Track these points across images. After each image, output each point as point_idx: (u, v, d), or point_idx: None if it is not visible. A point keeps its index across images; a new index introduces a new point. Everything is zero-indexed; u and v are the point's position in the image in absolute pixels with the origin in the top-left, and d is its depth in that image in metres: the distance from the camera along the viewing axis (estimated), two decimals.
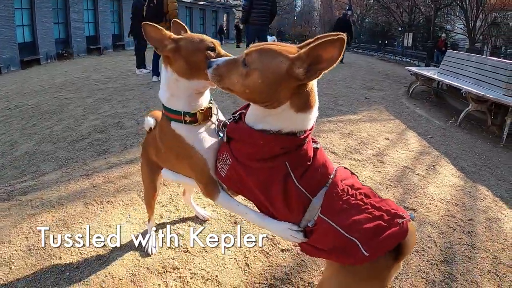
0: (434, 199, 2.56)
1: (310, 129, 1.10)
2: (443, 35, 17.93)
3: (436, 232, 2.16)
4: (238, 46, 20.33)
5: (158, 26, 1.21)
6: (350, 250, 1.03)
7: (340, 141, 3.63)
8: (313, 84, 1.04)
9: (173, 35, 1.25)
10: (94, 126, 4.10)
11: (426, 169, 3.12)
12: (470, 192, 2.77)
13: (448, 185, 2.84)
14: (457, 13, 23.06)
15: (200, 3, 28.06)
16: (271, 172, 1.08)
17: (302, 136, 1.06)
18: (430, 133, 4.33)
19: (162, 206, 2.31)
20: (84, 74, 8.72)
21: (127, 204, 2.30)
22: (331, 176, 1.12)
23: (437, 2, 16.19)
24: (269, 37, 17.07)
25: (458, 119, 4.98)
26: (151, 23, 1.22)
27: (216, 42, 1.26)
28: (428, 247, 2.02)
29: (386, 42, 24.99)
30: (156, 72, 7.04)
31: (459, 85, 5.38)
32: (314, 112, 1.08)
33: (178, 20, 1.40)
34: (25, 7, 14.92)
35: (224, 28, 31.29)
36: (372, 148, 3.52)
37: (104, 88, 6.50)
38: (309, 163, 1.10)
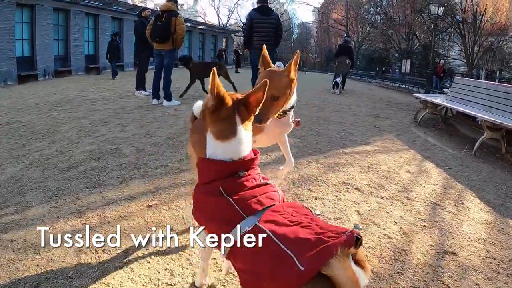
0: (471, 239, 2.31)
1: (248, 160, 1.19)
2: (442, 61, 18.09)
3: (481, 278, 1.92)
4: (237, 71, 20.36)
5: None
6: (284, 264, 0.92)
7: (362, 175, 3.37)
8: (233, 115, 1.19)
9: None
10: (89, 151, 3.77)
11: (455, 205, 2.86)
12: (503, 228, 2.54)
13: (480, 222, 2.60)
14: (454, 39, 23.48)
15: (200, 27, 28.38)
16: (207, 195, 1.15)
17: (230, 162, 1.15)
18: (448, 164, 4.10)
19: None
20: (82, 93, 8.54)
21: (127, 253, 1.91)
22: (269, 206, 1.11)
23: (435, 29, 16.41)
24: (278, 63, 17.14)
25: (473, 148, 4.77)
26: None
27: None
28: None
29: (384, 69, 25.22)
30: (156, 95, 6.84)
31: (473, 112, 5.21)
32: (236, 143, 1.18)
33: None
34: (26, 21, 14.89)
35: (223, 53, 31.63)
36: (395, 183, 3.25)
37: (101, 109, 6.27)
38: (246, 191, 1.12)
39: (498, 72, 20.30)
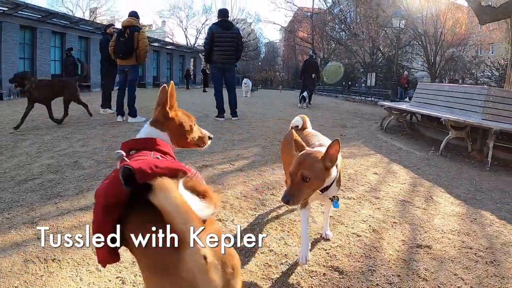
0: (444, 232, 2.29)
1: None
2: (405, 72, 18.84)
3: (460, 268, 1.88)
4: (204, 91, 20.29)
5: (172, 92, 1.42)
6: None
7: None
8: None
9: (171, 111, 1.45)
10: (47, 165, 3.63)
11: (425, 201, 2.86)
12: (475, 219, 2.56)
13: (452, 215, 2.61)
14: (417, 51, 24.61)
15: (168, 47, 28.32)
16: None
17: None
18: (416, 165, 4.16)
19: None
20: (46, 112, 8.18)
21: (78, 264, 1.79)
22: None
23: (398, 42, 17.13)
24: (246, 80, 17.24)
25: (439, 148, 4.89)
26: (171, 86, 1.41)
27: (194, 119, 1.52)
28: (459, 287, 1.73)
29: (350, 83, 25.93)
30: (120, 111, 6.64)
31: (437, 114, 5.35)
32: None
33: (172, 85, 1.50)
34: None
35: (191, 72, 31.65)
36: (362, 184, 3.24)
37: (65, 125, 6.10)
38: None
39: (460, 80, 21.34)
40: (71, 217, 2.36)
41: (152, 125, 1.49)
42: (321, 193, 1.72)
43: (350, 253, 1.96)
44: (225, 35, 6.73)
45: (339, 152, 1.57)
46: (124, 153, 1.23)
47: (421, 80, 22.97)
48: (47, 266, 1.77)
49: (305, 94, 11.27)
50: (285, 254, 1.91)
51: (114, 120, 6.62)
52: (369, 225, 2.31)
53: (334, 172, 1.65)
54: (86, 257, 1.84)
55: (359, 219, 2.41)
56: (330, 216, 2.42)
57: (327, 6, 34.92)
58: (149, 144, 1.39)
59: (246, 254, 1.90)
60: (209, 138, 1.55)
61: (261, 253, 1.93)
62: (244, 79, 17.42)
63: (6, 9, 14.22)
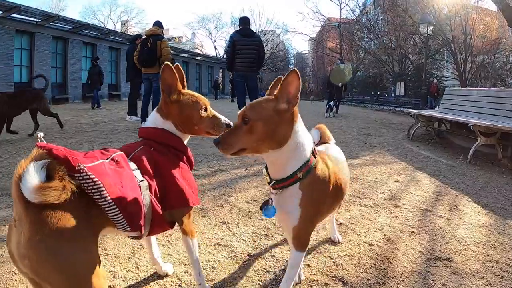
0: (468, 243, 2.07)
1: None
2: (435, 80, 18.17)
3: (483, 284, 1.66)
4: (233, 101, 20.39)
5: (175, 73, 1.37)
6: None
7: None
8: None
9: (182, 89, 1.42)
10: None
11: (449, 210, 2.63)
12: (503, 230, 2.30)
13: (477, 225, 2.36)
14: (446, 58, 23.73)
15: (197, 58, 28.82)
16: None
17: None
18: (441, 173, 3.90)
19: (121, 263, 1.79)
20: (74, 118, 8.54)
21: None
22: None
23: (427, 50, 16.58)
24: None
25: (468, 156, 4.60)
26: (171, 65, 1.36)
27: (208, 102, 1.45)
28: None
29: (378, 93, 25.40)
30: (145, 118, 6.73)
31: (464, 119, 5.07)
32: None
33: (179, 66, 1.46)
34: (25, 47, 15.04)
35: (219, 83, 32.02)
36: (382, 191, 3.04)
37: (89, 131, 6.27)
38: None
39: (492, 87, 20.37)
40: None
41: (158, 112, 1.44)
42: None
43: (358, 263, 1.79)
44: (247, 43, 6.69)
45: (299, 88, 1.17)
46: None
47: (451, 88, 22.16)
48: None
49: (332, 103, 11.10)
50: (286, 260, 1.77)
51: (138, 126, 6.70)
52: (384, 234, 2.13)
53: (300, 132, 1.23)
54: None
55: (373, 227, 2.23)
56: (342, 223, 2.27)
57: (355, 15, 34.59)
58: (151, 135, 1.41)
59: (246, 258, 1.80)
60: (227, 125, 1.43)
61: (261, 257, 1.81)
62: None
63: (39, 20, 14.96)
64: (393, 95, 24.77)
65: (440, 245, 2.02)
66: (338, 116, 11.26)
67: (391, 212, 2.51)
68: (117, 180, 1.08)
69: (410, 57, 25.71)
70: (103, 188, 1.00)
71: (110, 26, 37.20)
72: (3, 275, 1.64)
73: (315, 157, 1.30)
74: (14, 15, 13.77)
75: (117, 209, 1.03)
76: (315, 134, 1.84)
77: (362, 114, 13.05)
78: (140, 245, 1.96)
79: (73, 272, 0.92)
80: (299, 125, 1.23)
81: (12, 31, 14.13)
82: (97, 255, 1.00)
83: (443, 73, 24.70)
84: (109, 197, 1.01)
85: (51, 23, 15.54)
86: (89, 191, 0.99)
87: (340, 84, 11.71)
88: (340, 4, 36.47)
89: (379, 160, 4.41)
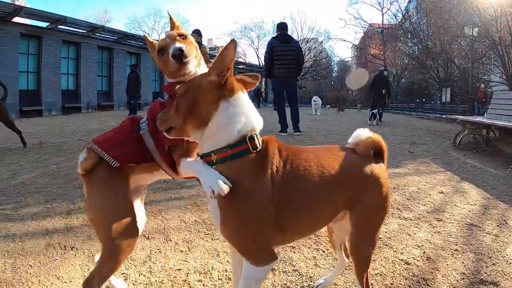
0: None
1: None
2: (482, 85, 17.06)
3: None
4: (275, 109, 20.40)
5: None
6: None
7: None
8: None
9: None
10: None
11: (498, 226, 2.34)
12: None
13: None
14: (494, 62, 22.13)
15: (240, 66, 29.18)
16: None
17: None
18: (490, 184, 3.56)
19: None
20: (118, 123, 8.77)
21: (92, 254, 1.80)
22: None
23: (472, 53, 15.58)
24: (315, 98, 17.08)
25: None
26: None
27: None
28: None
29: (424, 100, 24.37)
30: None
31: None
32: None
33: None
34: (72, 57, 15.94)
35: (262, 91, 32.14)
36: (424, 203, 2.79)
37: None
38: None
39: None
40: None
41: None
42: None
43: (392, 283, 1.60)
44: (285, 49, 6.61)
45: (232, 59, 1.05)
46: None
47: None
48: (64, 253, 1.89)
49: (375, 111, 10.73)
50: (311, 276, 1.63)
51: None
52: (423, 252, 1.91)
53: (232, 110, 1.06)
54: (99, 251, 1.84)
55: (412, 243, 2.02)
56: (379, 238, 2.08)
57: (397, 20, 33.53)
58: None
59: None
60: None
61: (283, 271, 1.68)
62: (314, 96, 17.28)
63: (85, 31, 15.78)
64: (438, 102, 23.67)
65: (486, 267, 1.78)
66: (382, 124, 10.85)
67: (433, 227, 2.28)
68: (110, 136, 1.40)
69: (456, 62, 24.42)
70: (100, 149, 1.31)
71: (154, 36, 38.53)
72: (19, 267, 1.73)
73: (255, 147, 1.08)
74: (61, 26, 14.63)
75: (106, 154, 1.30)
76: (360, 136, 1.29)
77: (406, 122, 12.48)
78: (158, 249, 1.92)
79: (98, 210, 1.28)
80: (234, 103, 1.07)
81: (59, 42, 14.99)
82: (123, 199, 1.30)
83: (490, 78, 23.13)
84: (102, 151, 1.30)
85: (96, 34, 16.36)
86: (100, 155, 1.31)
87: (383, 91, 11.35)
88: (382, 9, 35.62)
89: (422, 170, 4.12)
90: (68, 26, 15.07)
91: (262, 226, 1.06)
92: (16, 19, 13.54)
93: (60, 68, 15.20)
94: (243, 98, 1.10)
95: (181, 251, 1.89)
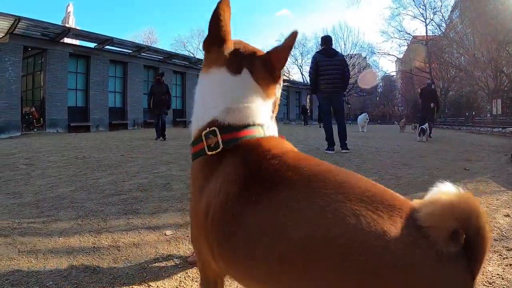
0: None
1: None
2: None
3: None
4: (320, 126, 20.25)
5: None
6: None
7: None
8: None
9: None
10: (139, 183, 3.88)
11: None
12: None
13: None
14: None
15: (284, 84, 29.24)
16: None
17: None
18: None
19: None
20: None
21: (115, 280, 1.72)
22: None
23: None
24: (363, 116, 16.79)
25: None
26: None
27: None
28: None
29: (473, 113, 23.05)
30: None
31: None
32: None
33: None
34: (118, 75, 16.73)
35: (307, 108, 32.03)
36: (491, 230, 2.45)
37: (173, 153, 6.59)
38: None
39: None
40: (135, 233, 2.35)
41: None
42: None
43: None
44: (330, 63, 6.45)
45: (226, 17, 0.90)
46: None
47: None
48: (86, 276, 1.77)
49: (424, 126, 10.18)
50: None
51: None
52: None
53: (201, 83, 0.98)
54: (126, 276, 1.77)
55: (483, 279, 1.72)
56: None
57: (441, 30, 32.23)
58: None
59: None
60: None
61: None
62: (362, 114, 17.18)
63: (131, 51, 16.47)
64: (489, 114, 22.27)
65: None
66: (431, 139, 10.29)
67: (504, 258, 1.95)
68: None
69: (505, 71, 22.87)
70: None
71: (199, 56, 39.77)
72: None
73: (212, 147, 0.88)
74: (108, 46, 15.39)
75: None
76: None
77: (456, 137, 11.81)
78: (190, 276, 1.76)
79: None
80: (204, 81, 0.96)
81: (107, 61, 15.74)
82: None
83: None
84: None
85: (142, 54, 17.05)
86: None
87: (432, 104, 10.82)
88: (425, 19, 34.47)
89: (482, 189, 3.72)
90: (115, 46, 15.82)
91: (198, 244, 0.90)
92: (66, 40, 14.43)
93: (108, 86, 15.93)
94: (222, 75, 0.91)
95: None
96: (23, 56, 13.15)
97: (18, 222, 2.54)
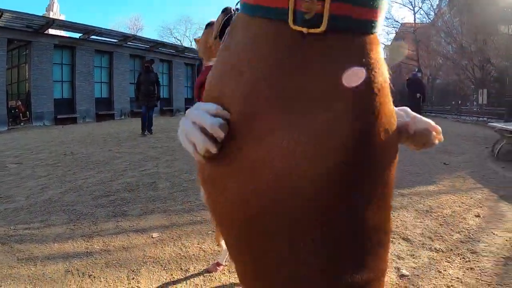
0: None
1: None
2: None
3: None
4: None
5: None
6: None
7: (416, 222, 2.75)
8: None
9: None
10: (127, 183, 3.97)
11: None
12: None
13: None
14: None
15: None
16: None
17: None
18: None
19: None
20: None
21: (109, 284, 1.86)
22: None
23: (509, 52, 14.66)
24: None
25: None
26: None
27: None
28: None
29: (460, 102, 23.33)
30: None
31: None
32: None
33: None
34: (104, 65, 16.52)
35: None
36: (459, 230, 2.59)
37: (159, 147, 6.65)
38: None
39: None
40: (124, 237, 2.49)
41: None
42: None
43: None
44: None
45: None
46: None
47: None
48: (82, 281, 1.90)
49: None
50: None
51: None
52: None
53: None
54: (118, 280, 1.91)
55: (442, 283, 1.85)
56: (404, 275, 1.93)
57: (429, 19, 32.35)
58: None
59: None
60: None
61: None
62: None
63: (116, 40, 16.30)
64: (475, 103, 22.58)
65: None
66: None
67: (466, 261, 2.09)
68: None
69: (492, 61, 23.15)
70: None
71: (186, 43, 39.30)
72: None
73: None
74: (93, 36, 15.21)
75: None
76: None
77: (442, 127, 11.90)
78: (173, 281, 1.89)
79: None
80: None
81: (92, 51, 15.55)
82: None
83: None
84: None
85: (128, 43, 16.85)
86: None
87: (418, 95, 10.93)
88: (414, 7, 34.46)
89: (458, 186, 3.88)
90: (100, 36, 15.62)
91: None
92: (51, 31, 14.20)
93: (94, 77, 15.74)
94: None
95: (196, 284, 1.84)
96: (7, 49, 12.92)
97: (14, 229, 2.63)
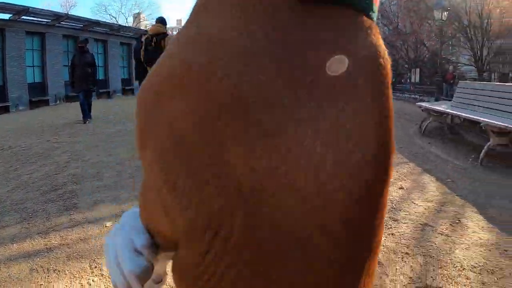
0: (464, 268, 1.93)
1: None
2: (451, 67, 17.50)
3: None
4: None
5: None
6: None
7: None
8: None
9: None
10: (72, 175, 3.89)
11: (451, 225, 2.50)
12: (506, 250, 2.13)
13: (478, 245, 2.20)
14: (462, 44, 22.63)
15: None
16: None
17: None
18: (450, 176, 3.75)
19: None
20: None
21: (74, 277, 1.93)
22: None
23: (442, 36, 15.88)
24: None
25: (479, 157, 4.35)
26: None
27: None
28: None
29: (394, 80, 24.80)
30: None
31: (476, 117, 4.84)
32: None
33: None
34: (36, 48, 15.35)
35: None
36: None
37: (99, 133, 6.43)
38: None
39: (511, 74, 19.37)
40: (79, 229, 2.52)
41: None
42: None
43: None
44: None
45: None
46: None
47: (470, 74, 21.12)
48: (48, 276, 1.93)
49: None
50: None
51: None
52: None
53: None
54: (82, 271, 1.99)
55: None
56: None
57: None
58: None
59: None
60: None
61: None
62: None
63: (49, 21, 15.21)
64: (408, 80, 24.17)
65: (433, 270, 1.92)
66: None
67: (389, 228, 2.42)
68: None
69: (426, 43, 24.88)
70: None
71: (122, 20, 37.31)
72: None
73: None
74: (24, 17, 14.02)
75: None
76: None
77: None
78: None
79: None
80: None
81: (23, 33, 14.39)
82: None
83: (459, 59, 23.70)
84: None
85: (61, 23, 15.78)
86: None
87: None
88: None
89: None
90: (32, 17, 14.45)
91: None
92: None
93: (25, 61, 14.61)
94: None
95: None
96: None
97: None
